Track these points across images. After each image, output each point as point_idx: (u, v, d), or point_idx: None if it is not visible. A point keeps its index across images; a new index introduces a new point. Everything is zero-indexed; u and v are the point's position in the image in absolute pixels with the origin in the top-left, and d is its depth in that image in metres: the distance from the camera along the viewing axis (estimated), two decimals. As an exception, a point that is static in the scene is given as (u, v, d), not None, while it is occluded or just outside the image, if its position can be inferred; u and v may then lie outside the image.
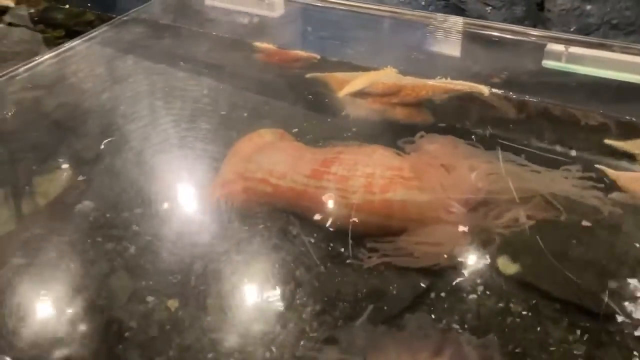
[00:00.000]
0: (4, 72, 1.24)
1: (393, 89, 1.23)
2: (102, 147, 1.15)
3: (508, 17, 1.51)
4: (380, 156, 1.00)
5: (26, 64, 1.22)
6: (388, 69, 1.28)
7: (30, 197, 1.03)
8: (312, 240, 0.91)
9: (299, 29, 1.39)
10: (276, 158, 1.05)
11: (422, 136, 1.08)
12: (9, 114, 1.17)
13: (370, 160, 0.98)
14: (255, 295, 0.85)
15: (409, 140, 1.06)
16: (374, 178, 0.95)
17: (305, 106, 1.26)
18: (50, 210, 1.01)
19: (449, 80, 1.22)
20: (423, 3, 1.56)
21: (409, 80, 1.25)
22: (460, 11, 1.55)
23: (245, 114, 1.25)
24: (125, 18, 1.44)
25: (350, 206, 0.93)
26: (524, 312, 0.79)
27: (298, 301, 0.82)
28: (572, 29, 1.42)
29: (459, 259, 0.86)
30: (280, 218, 0.96)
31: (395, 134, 1.09)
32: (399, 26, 1.42)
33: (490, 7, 1.50)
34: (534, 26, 1.48)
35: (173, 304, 0.84)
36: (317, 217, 0.94)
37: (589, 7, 1.41)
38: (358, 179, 0.95)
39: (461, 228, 0.89)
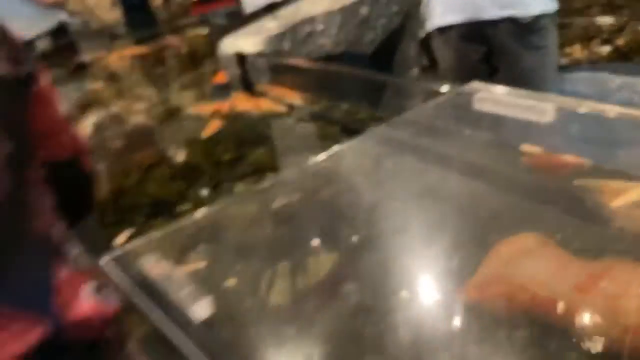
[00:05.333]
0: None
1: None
2: (358, 238, 1.23)
3: None
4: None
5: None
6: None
7: (304, 275, 1.17)
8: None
9: (570, 134, 1.34)
10: (538, 265, 1.02)
11: None
12: (295, 198, 1.36)
13: (647, 281, 0.90)
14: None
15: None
16: (651, 301, 0.86)
17: (571, 214, 1.20)
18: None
19: None
20: None
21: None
22: None
23: (506, 218, 1.24)
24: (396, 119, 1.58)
25: (622, 330, 0.85)
26: None
27: None
28: None
29: None
30: (537, 330, 0.92)
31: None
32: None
33: None
34: None
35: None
36: (579, 334, 0.87)
37: None
38: (631, 299, 0.87)
39: None
